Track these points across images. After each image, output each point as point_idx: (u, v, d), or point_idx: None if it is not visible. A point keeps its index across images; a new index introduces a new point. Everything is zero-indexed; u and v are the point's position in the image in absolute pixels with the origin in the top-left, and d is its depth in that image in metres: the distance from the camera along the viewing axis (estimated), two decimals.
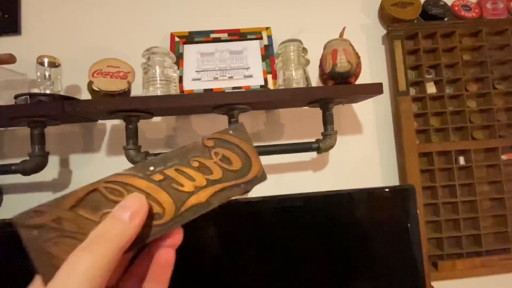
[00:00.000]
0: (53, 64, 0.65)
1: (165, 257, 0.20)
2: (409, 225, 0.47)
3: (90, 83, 0.60)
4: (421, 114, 0.77)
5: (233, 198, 0.21)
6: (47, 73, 0.64)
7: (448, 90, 0.78)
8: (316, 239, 0.49)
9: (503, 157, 0.77)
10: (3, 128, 0.74)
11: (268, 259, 0.53)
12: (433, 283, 0.73)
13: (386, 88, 0.79)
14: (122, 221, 0.17)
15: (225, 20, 0.78)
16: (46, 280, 0.16)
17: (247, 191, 0.22)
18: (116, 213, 0.18)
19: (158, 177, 0.20)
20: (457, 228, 0.74)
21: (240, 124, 0.23)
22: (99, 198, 0.18)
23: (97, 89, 0.60)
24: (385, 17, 0.78)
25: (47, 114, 0.58)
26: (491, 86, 0.77)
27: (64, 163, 0.74)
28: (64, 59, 0.67)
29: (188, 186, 0.20)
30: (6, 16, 0.75)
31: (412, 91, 0.78)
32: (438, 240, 0.75)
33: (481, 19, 0.78)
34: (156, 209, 0.19)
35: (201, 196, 0.20)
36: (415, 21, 0.77)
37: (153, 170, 0.20)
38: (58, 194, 0.74)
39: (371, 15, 0.82)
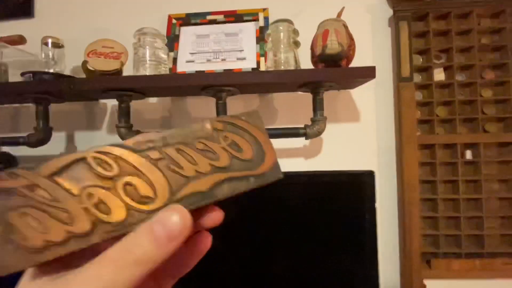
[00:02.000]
0: (57, 45, 0.69)
1: (204, 242, 0.18)
2: (366, 213, 0.45)
3: (84, 63, 0.63)
4: (426, 103, 0.71)
5: (241, 192, 0.18)
6: (50, 53, 0.68)
7: (460, 78, 0.71)
8: (278, 217, 0.49)
9: None
10: (18, 105, 0.81)
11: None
12: (426, 281, 0.69)
13: (389, 73, 0.74)
14: (158, 243, 0.14)
15: (222, 1, 0.77)
16: (0, 266, 0.14)
17: (258, 186, 0.18)
18: (155, 229, 0.15)
19: (155, 155, 0.17)
20: (457, 226, 0.70)
21: (254, 110, 0.20)
22: (84, 169, 0.16)
23: (92, 69, 0.63)
24: None
25: (47, 91, 0.62)
26: (511, 74, 0.69)
27: (69, 139, 0.80)
28: (72, 40, 0.71)
29: (188, 169, 0.17)
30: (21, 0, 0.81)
31: (419, 78, 0.72)
32: (434, 237, 0.71)
33: None
34: (147, 191, 0.16)
35: (202, 184, 0.17)
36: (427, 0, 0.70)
37: (150, 146, 0.17)
38: None
39: None
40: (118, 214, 0.15)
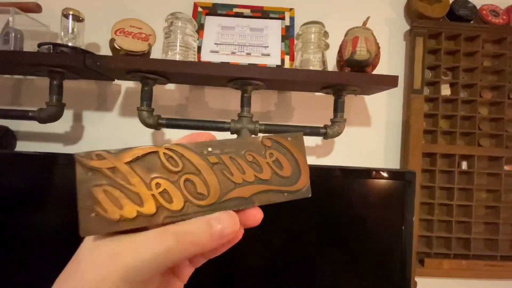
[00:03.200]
0: (77, 18, 0.66)
1: (237, 235, 0.20)
2: (404, 212, 0.48)
3: (112, 41, 0.61)
4: (431, 114, 0.77)
5: (274, 203, 0.21)
6: (70, 26, 0.65)
7: (462, 94, 0.78)
8: (305, 213, 0.50)
9: (506, 167, 0.77)
10: (21, 76, 0.76)
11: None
12: (417, 279, 0.75)
13: (401, 84, 0.79)
14: (212, 236, 0.17)
15: None
16: (82, 229, 0.16)
17: (287, 200, 0.21)
18: (213, 224, 0.18)
19: (213, 159, 0.20)
20: (449, 229, 0.76)
21: (299, 133, 0.23)
22: (155, 161, 0.18)
23: (118, 48, 0.61)
24: (411, 12, 0.77)
25: (68, 65, 0.59)
26: (506, 96, 0.77)
27: (78, 118, 0.77)
28: (87, 15, 0.68)
29: (237, 176, 0.20)
30: None
31: (426, 91, 0.78)
32: (428, 239, 0.77)
33: (508, 27, 0.77)
34: (202, 189, 0.19)
35: (245, 191, 0.20)
36: (441, 20, 0.76)
37: (210, 151, 0.20)
38: (69, 147, 0.77)
39: (397, 9, 0.80)
40: (177, 203, 0.18)
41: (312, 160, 0.79)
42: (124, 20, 0.62)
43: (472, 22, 0.77)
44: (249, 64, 0.71)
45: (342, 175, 0.49)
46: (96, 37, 0.76)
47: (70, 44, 0.65)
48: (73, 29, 0.66)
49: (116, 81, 0.76)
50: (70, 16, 0.65)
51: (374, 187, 0.49)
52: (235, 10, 0.76)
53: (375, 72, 0.66)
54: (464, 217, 0.77)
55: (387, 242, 0.49)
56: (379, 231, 0.49)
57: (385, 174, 0.48)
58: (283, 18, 0.76)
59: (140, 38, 0.62)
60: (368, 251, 0.50)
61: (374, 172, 0.49)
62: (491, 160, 0.79)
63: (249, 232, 0.20)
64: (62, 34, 0.65)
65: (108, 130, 0.76)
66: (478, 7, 0.77)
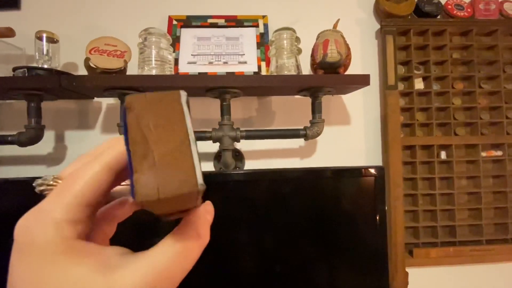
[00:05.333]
0: (51, 40, 0.66)
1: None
2: (377, 212, 0.50)
3: (87, 60, 0.61)
4: (407, 108, 0.80)
5: None
6: (45, 48, 0.66)
7: (435, 87, 0.81)
8: (284, 212, 0.51)
9: (483, 154, 0.80)
10: (0, 101, 0.75)
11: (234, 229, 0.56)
12: (407, 269, 0.77)
13: (376, 81, 0.82)
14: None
15: (222, 6, 0.79)
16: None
17: None
18: (209, 218, 0.17)
19: None
20: (434, 218, 0.78)
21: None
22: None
23: (94, 66, 0.61)
24: (379, 11, 0.80)
25: (44, 87, 0.59)
26: (476, 85, 0.80)
27: (60, 138, 0.76)
28: (62, 36, 0.68)
29: None
30: None
31: (401, 86, 0.80)
32: (414, 229, 0.79)
33: (473, 19, 0.80)
34: None
35: None
36: (409, 17, 0.79)
37: None
38: (53, 168, 0.77)
39: (366, 9, 0.83)
40: None
41: (296, 161, 0.80)
42: (99, 38, 0.63)
43: (438, 17, 0.80)
44: (226, 73, 0.72)
45: (316, 176, 0.51)
46: (73, 57, 0.76)
47: (45, 66, 0.65)
48: (47, 51, 0.66)
49: (96, 99, 0.76)
50: (44, 38, 0.65)
51: (347, 184, 0.51)
52: (210, 21, 0.77)
53: (350, 71, 0.68)
54: (447, 205, 0.79)
55: (364, 232, 0.51)
56: (355, 223, 0.51)
57: (360, 171, 0.50)
58: (257, 26, 0.77)
59: (116, 55, 0.62)
60: (347, 242, 0.52)
61: (345, 171, 0.50)
62: (468, 148, 0.81)
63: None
64: (37, 56, 0.66)
65: (91, 148, 0.75)
66: (443, 2, 0.81)
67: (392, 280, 0.75)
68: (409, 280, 0.76)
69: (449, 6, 0.81)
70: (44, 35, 0.65)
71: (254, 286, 0.56)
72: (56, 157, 0.76)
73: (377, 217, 0.50)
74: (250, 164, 0.79)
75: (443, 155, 0.80)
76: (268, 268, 0.57)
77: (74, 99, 0.75)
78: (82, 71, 0.73)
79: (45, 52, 0.66)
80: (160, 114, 0.14)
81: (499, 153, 0.81)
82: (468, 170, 0.81)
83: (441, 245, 0.78)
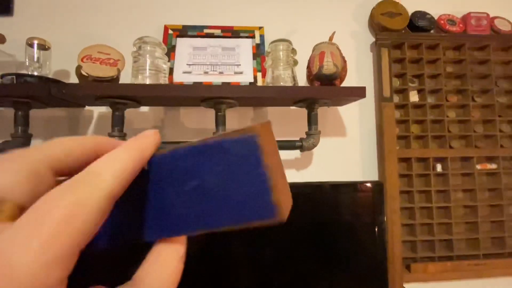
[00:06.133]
0: (43, 47, 0.65)
1: None
2: (376, 225, 0.49)
3: (78, 68, 0.60)
4: (403, 120, 0.80)
5: None
6: (36, 55, 0.64)
7: (430, 100, 0.81)
8: (281, 227, 0.50)
9: (478, 166, 0.80)
10: None
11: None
12: (405, 285, 0.75)
13: (371, 94, 0.82)
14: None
15: (219, 17, 0.79)
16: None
17: None
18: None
19: None
20: (431, 232, 0.77)
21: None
22: None
23: (86, 74, 0.60)
24: (374, 25, 0.81)
25: (32, 95, 0.58)
26: (470, 99, 0.80)
27: None
28: (54, 43, 0.67)
29: None
30: None
31: (396, 99, 0.81)
32: (412, 243, 0.77)
33: (465, 34, 0.81)
34: None
35: None
36: (403, 31, 0.80)
37: None
38: None
39: (361, 23, 0.84)
40: None
41: (292, 173, 0.79)
42: (92, 46, 0.62)
43: (432, 31, 0.81)
44: (222, 83, 0.71)
45: (314, 191, 0.50)
46: (65, 64, 0.74)
47: (35, 73, 0.63)
48: (38, 58, 0.64)
49: (88, 107, 0.75)
50: (35, 45, 0.64)
51: (346, 198, 0.50)
52: (206, 31, 0.77)
53: (346, 83, 0.68)
54: (444, 218, 0.78)
55: (363, 246, 0.50)
56: (354, 238, 0.50)
57: (359, 186, 0.49)
58: (253, 37, 0.77)
59: (108, 63, 0.61)
60: (346, 257, 0.50)
61: (343, 186, 0.49)
62: (463, 160, 0.81)
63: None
64: (28, 63, 0.64)
65: None
66: (436, 17, 0.82)
67: None
68: None
69: (442, 21, 0.82)
70: (36, 41, 0.64)
71: None
72: None
73: (376, 231, 0.49)
74: None
75: (438, 167, 0.80)
76: (266, 283, 0.54)
77: (64, 107, 0.73)
78: (74, 79, 0.72)
79: (35, 59, 0.64)
80: (273, 142, 0.15)
81: (494, 166, 0.81)
82: (464, 183, 0.81)
83: (438, 260, 0.76)
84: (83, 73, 0.60)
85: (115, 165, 0.12)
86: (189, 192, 0.14)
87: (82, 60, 0.60)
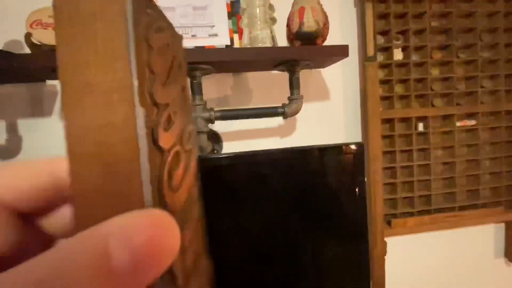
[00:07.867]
0: None
1: None
2: (356, 186, 0.49)
3: (28, 35, 0.53)
4: (386, 80, 0.78)
5: None
6: None
7: (414, 57, 0.79)
8: (265, 192, 0.50)
9: (458, 123, 0.81)
10: None
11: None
12: (386, 239, 0.79)
13: (355, 54, 0.78)
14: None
15: None
16: None
17: None
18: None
19: None
20: (411, 189, 0.80)
21: None
22: None
23: (38, 43, 0.53)
24: None
25: None
26: (454, 54, 0.79)
27: (12, 128, 0.68)
28: (2, 8, 0.58)
29: None
30: None
31: (380, 57, 0.78)
32: (393, 201, 0.80)
33: None
34: None
35: None
36: None
37: None
38: (9, 162, 0.69)
39: None
40: None
41: (275, 141, 0.78)
42: (41, 9, 0.54)
43: None
44: (195, 47, 0.66)
45: (294, 156, 0.49)
46: (16, 33, 0.66)
47: None
48: None
49: (50, 81, 0.68)
50: None
51: (329, 161, 0.50)
52: None
53: (328, 42, 0.64)
54: (424, 175, 0.81)
55: (345, 206, 0.51)
56: (337, 198, 0.51)
57: (340, 148, 0.49)
58: None
59: None
60: (329, 217, 0.52)
61: (325, 149, 0.49)
62: (444, 118, 0.82)
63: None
64: None
65: (49, 137, 0.68)
66: None
67: (372, 250, 0.77)
68: (387, 249, 0.79)
69: None
70: None
71: (241, 265, 0.55)
72: (11, 149, 0.68)
73: (357, 191, 0.50)
74: (227, 146, 0.75)
75: (420, 127, 0.80)
76: (252, 245, 0.55)
77: (23, 83, 0.66)
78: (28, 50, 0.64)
79: None
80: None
81: (473, 122, 0.82)
82: (444, 140, 0.82)
83: (417, 214, 0.80)
84: (35, 41, 0.53)
85: None
86: None
87: (31, 26, 0.52)
